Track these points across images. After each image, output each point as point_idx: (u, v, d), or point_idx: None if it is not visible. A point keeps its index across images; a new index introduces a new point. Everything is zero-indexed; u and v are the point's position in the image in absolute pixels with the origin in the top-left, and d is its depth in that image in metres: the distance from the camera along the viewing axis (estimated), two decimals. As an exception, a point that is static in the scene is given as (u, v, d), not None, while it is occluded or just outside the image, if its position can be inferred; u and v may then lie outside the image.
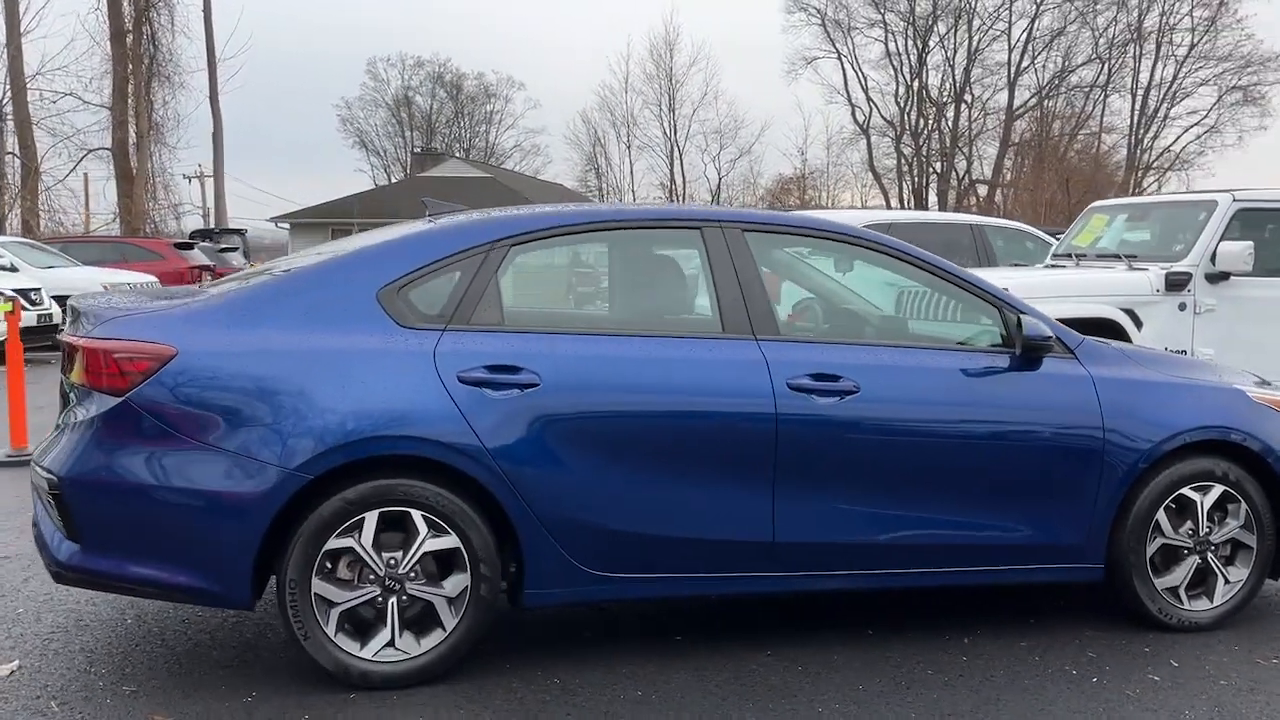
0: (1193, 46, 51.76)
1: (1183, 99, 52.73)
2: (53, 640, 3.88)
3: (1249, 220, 7.70)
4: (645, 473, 3.63)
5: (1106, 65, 53.05)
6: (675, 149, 58.67)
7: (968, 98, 55.32)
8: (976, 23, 53.86)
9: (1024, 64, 53.57)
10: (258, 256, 28.47)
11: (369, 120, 64.09)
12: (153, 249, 19.86)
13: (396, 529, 3.48)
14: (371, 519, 3.44)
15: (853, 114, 56.86)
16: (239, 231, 26.67)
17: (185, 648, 3.83)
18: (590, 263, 4.00)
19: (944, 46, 54.96)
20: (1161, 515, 4.06)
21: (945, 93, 55.75)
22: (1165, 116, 53.28)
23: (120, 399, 3.36)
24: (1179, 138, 53.38)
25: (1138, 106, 53.39)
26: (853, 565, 3.84)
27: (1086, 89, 54.11)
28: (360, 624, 3.49)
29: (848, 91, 56.71)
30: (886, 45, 55.25)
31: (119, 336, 3.42)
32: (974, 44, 54.30)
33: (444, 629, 3.52)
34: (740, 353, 3.74)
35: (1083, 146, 54.79)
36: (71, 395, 3.57)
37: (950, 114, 55.59)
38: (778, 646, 3.90)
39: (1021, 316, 3.95)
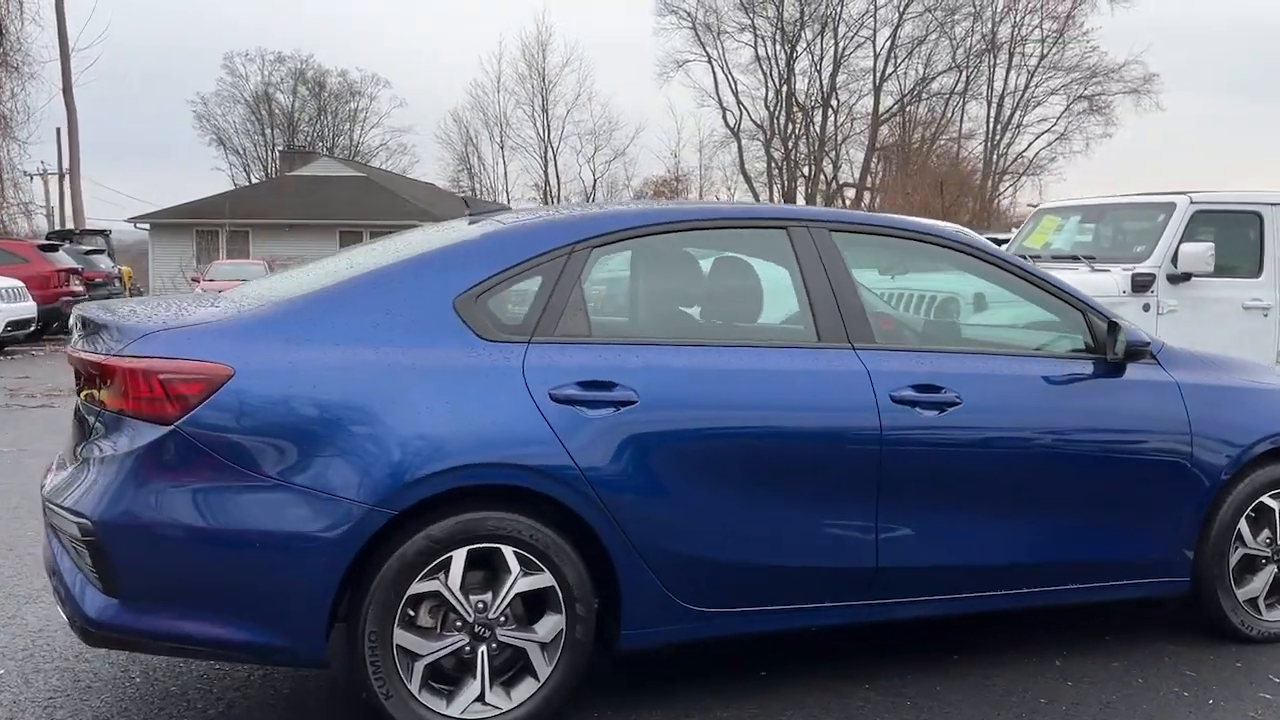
0: (1042, 57, 54.11)
1: (1035, 107, 55.05)
2: (56, 708, 3.33)
3: (1204, 222, 7.83)
4: (746, 496, 3.31)
5: (965, 73, 54.94)
6: (549, 150, 58.25)
7: (834, 103, 56.54)
8: (842, 29, 55.07)
9: (888, 71, 55.04)
10: (122, 259, 26.93)
11: (227, 117, 61.46)
12: (15, 251, 18.40)
13: (481, 568, 3.08)
14: (459, 558, 3.03)
15: (724, 117, 57.52)
16: (103, 233, 25.12)
17: (219, 710, 3.33)
18: (675, 265, 3.66)
19: (811, 52, 56.04)
20: (1243, 524, 3.96)
21: (813, 98, 56.85)
22: (1019, 124, 55.49)
23: (168, 427, 2.87)
24: (1031, 144, 55.70)
25: (993, 114, 55.50)
26: (952, 589, 3.61)
27: (946, 96, 55.94)
28: (444, 677, 3.08)
29: (718, 95, 57.31)
30: (756, 50, 56.04)
31: (164, 354, 2.92)
32: (840, 50, 55.52)
33: (537, 678, 3.12)
34: (841, 363, 3.46)
35: (943, 150, 56.58)
36: (94, 422, 3.05)
37: (818, 118, 56.68)
38: (872, 678, 3.63)
39: (1117, 322, 3.78)
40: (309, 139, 60.77)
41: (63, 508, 2.95)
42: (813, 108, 56.93)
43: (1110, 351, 3.77)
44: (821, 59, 55.69)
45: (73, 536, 2.92)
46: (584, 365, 3.19)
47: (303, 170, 41.11)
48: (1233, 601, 3.96)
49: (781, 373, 3.39)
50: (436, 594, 3.02)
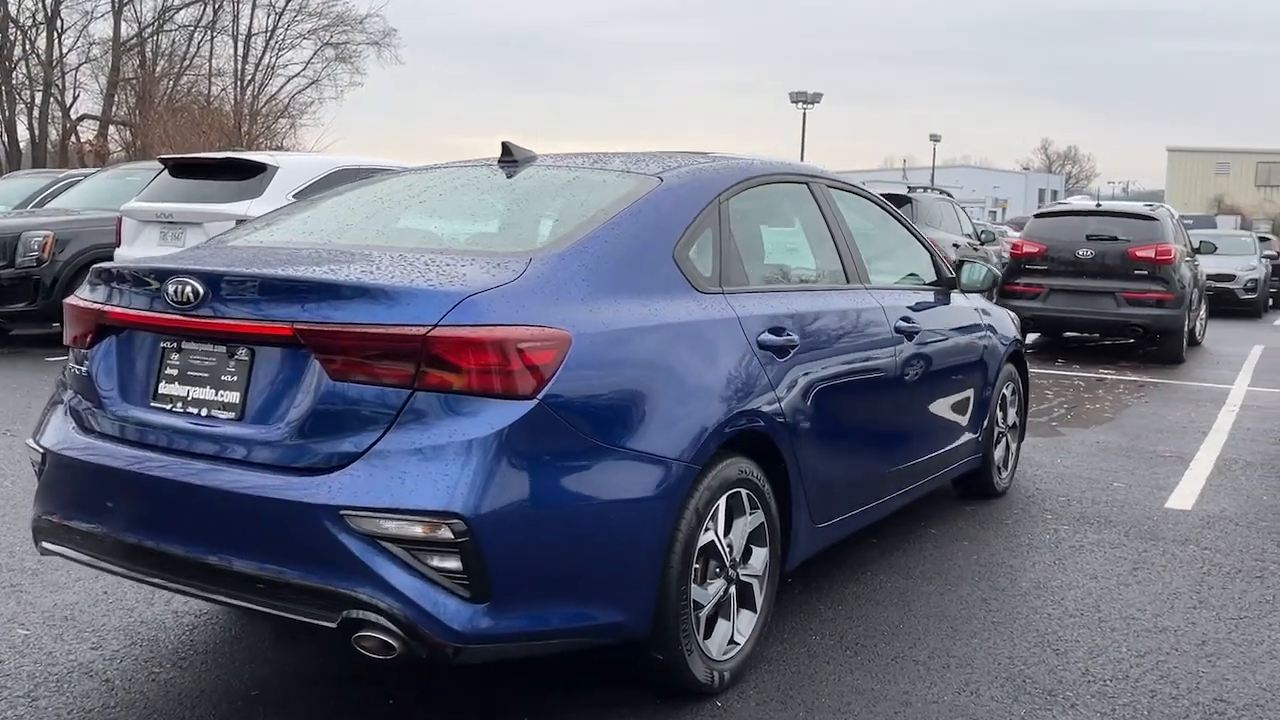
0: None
1: (287, 50, 55.01)
2: None
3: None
4: (851, 419, 3.85)
5: (211, 6, 52.83)
6: None
7: (60, 24, 50.55)
8: (64, -61, 49.26)
9: (127, -4, 50.67)
10: None
11: None
12: None
13: (726, 514, 3.16)
14: (721, 505, 3.09)
15: (-86, 28, 48.15)
16: None
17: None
18: (772, 215, 3.89)
19: (26, -39, 49.26)
20: (997, 409, 5.35)
21: (34, 16, 50.18)
22: (272, 66, 55.04)
23: (531, 402, 2.53)
24: (283, 87, 55.64)
25: (241, 53, 54.30)
26: (914, 480, 4.42)
27: (191, 28, 53.32)
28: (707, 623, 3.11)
29: (-100, -2, 47.75)
30: (-53, -52, 47.63)
31: (503, 321, 2.54)
32: (60, -36, 49.63)
33: (754, 610, 3.29)
34: (869, 300, 4.05)
35: (192, 86, 54.02)
36: (415, 406, 2.50)
37: (43, 41, 50.28)
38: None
39: (962, 262, 4.88)
40: None
41: (403, 511, 2.41)
42: (33, 27, 50.33)
43: (960, 284, 4.87)
44: (40, -30, 49.32)
45: (424, 542, 2.42)
46: (764, 314, 3.38)
47: None
48: (994, 466, 5.35)
49: (851, 311, 3.88)
50: (707, 546, 3.05)
